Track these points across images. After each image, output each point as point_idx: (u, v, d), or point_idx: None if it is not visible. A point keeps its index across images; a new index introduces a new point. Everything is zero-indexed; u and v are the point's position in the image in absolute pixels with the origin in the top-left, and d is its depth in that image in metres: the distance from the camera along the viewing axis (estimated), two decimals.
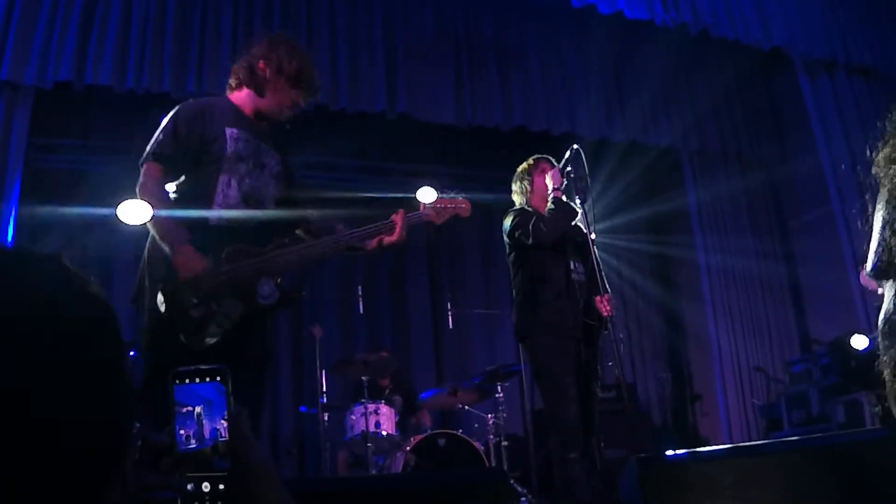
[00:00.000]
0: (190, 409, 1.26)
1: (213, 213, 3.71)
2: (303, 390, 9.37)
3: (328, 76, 7.87)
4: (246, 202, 3.82)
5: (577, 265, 5.24)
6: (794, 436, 6.85)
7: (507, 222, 5.44)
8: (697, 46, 9.16)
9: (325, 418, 7.61)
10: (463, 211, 4.39)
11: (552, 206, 5.25)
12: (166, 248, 3.57)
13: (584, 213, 5.30)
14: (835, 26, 9.01)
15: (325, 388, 7.70)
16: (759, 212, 10.18)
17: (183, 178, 3.80)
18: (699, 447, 4.97)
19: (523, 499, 6.63)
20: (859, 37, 9.10)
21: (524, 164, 5.68)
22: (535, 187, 5.52)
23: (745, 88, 10.11)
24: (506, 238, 5.47)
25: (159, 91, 7.27)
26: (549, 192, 5.33)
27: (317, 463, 8.55)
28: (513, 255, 5.46)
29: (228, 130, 3.84)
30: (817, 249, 9.53)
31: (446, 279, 10.74)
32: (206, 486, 1.22)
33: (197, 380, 1.28)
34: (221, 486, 1.22)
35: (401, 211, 4.05)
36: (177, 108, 3.90)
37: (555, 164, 5.53)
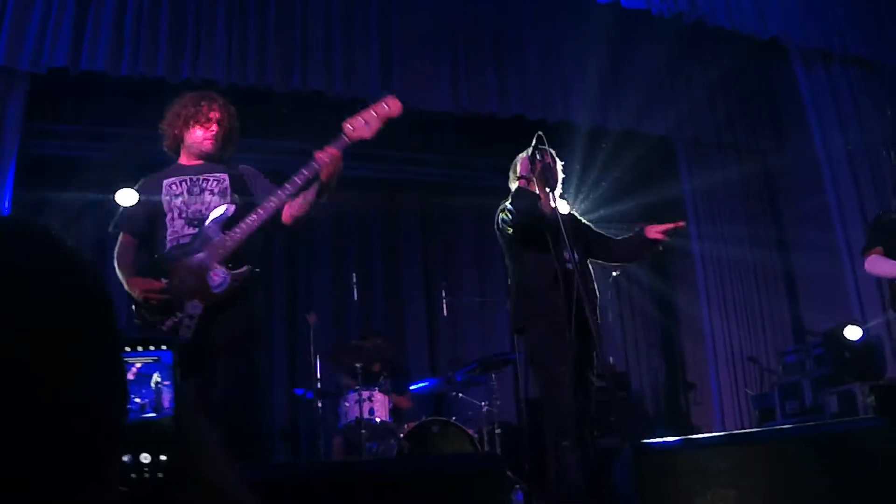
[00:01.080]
0: (144, 376, 1.22)
1: (167, 245, 4.35)
2: (297, 377, 9.38)
3: (323, 63, 7.86)
4: (190, 223, 4.38)
5: (570, 254, 5.18)
6: (786, 426, 6.87)
7: (498, 215, 5.44)
8: (693, 36, 9.15)
9: (320, 405, 7.63)
10: (392, 111, 4.44)
11: (512, 195, 5.28)
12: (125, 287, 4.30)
13: (558, 199, 5.27)
14: (831, 16, 9.01)
15: (319, 375, 7.71)
16: (753, 201, 10.18)
17: (147, 241, 4.53)
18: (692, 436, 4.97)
19: (516, 486, 6.64)
20: (855, 27, 9.10)
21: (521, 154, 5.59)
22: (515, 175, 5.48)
23: (741, 78, 10.10)
24: (496, 230, 5.47)
25: (154, 77, 7.26)
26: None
27: (311, 449, 8.56)
28: (504, 245, 5.47)
29: (165, 182, 4.50)
30: (812, 239, 9.53)
31: (441, 267, 10.75)
32: (145, 458, 1.17)
33: (152, 347, 1.24)
34: (163, 458, 1.17)
35: (316, 153, 4.34)
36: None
37: (541, 154, 5.43)
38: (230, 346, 4.20)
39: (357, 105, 7.30)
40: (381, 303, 10.39)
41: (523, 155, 5.48)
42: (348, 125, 4.41)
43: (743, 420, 9.18)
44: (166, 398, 1.22)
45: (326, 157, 4.28)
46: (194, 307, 4.14)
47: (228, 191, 4.52)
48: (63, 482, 0.82)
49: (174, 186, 4.47)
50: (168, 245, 4.32)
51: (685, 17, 8.30)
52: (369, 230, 10.71)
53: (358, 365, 7.47)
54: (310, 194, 4.39)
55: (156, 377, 1.23)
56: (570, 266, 5.11)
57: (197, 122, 4.56)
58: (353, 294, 8.27)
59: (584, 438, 4.95)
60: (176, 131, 4.58)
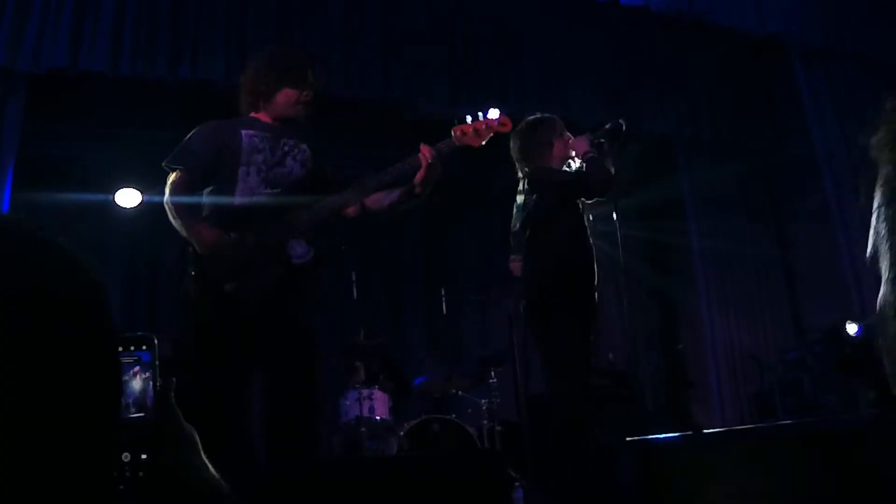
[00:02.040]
0: (139, 376, 1.21)
1: (236, 198, 3.97)
2: None
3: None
4: (268, 185, 4.04)
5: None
6: (787, 422, 6.87)
7: (534, 179, 5.04)
8: (692, 34, 9.16)
9: None
10: (505, 128, 4.43)
11: (595, 163, 4.95)
12: (185, 234, 3.86)
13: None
14: (830, 14, 9.02)
15: None
16: (753, 199, 10.20)
17: (212, 189, 4.08)
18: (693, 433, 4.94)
19: (517, 484, 6.64)
20: (854, 25, 9.11)
21: (533, 120, 5.27)
22: (551, 148, 5.14)
23: (740, 76, 10.11)
24: (538, 199, 4.97)
25: (153, 77, 7.26)
26: (578, 156, 5.04)
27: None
28: (543, 217, 4.98)
29: (244, 131, 4.11)
30: (811, 236, 9.54)
31: (440, 265, 10.75)
32: (125, 456, 1.15)
33: (132, 347, 1.22)
34: (143, 456, 1.16)
35: (423, 146, 4.12)
36: (198, 127, 4.19)
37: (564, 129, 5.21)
38: (302, 333, 3.93)
39: (357, 105, 7.33)
40: (381, 301, 10.39)
41: (535, 121, 5.22)
42: (458, 130, 4.33)
43: (743, 417, 9.19)
44: (150, 398, 1.20)
45: (430, 154, 4.13)
46: (267, 273, 3.86)
47: (310, 162, 4.26)
48: (57, 482, 0.82)
49: (256, 140, 4.12)
50: (238, 197, 3.99)
51: (684, 15, 8.31)
52: (369, 228, 10.70)
53: (358, 363, 7.48)
54: (394, 194, 4.23)
55: (144, 376, 1.22)
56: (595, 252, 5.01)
57: (294, 82, 4.22)
58: (353, 292, 8.25)
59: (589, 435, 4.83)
60: (264, 86, 4.21)
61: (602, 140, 5.13)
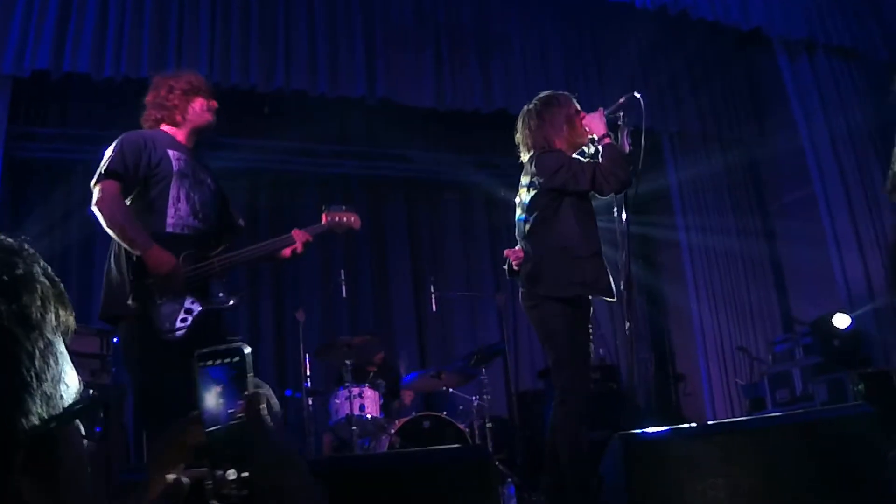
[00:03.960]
0: (215, 389, 1.23)
1: (167, 227, 4.15)
2: (286, 374, 9.39)
3: (307, 62, 7.85)
4: (195, 216, 4.25)
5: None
6: (776, 414, 6.89)
7: (543, 164, 4.83)
8: (677, 27, 9.17)
9: (310, 402, 7.62)
10: (354, 224, 4.81)
11: (611, 151, 4.88)
12: (136, 251, 3.96)
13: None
14: (814, 7, 9.03)
15: (308, 373, 7.70)
16: (739, 192, 10.22)
17: (133, 196, 4.22)
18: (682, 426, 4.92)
19: (508, 480, 6.65)
20: (838, 18, 9.12)
21: (545, 98, 5.08)
22: (564, 128, 4.98)
23: (725, 69, 10.14)
24: (543, 185, 4.80)
25: (138, 77, 7.23)
26: (596, 137, 4.93)
27: (301, 447, 8.56)
28: (544, 205, 4.83)
29: (170, 152, 4.27)
30: (798, 229, 9.57)
31: (428, 262, 10.76)
32: (231, 474, 1.17)
33: (218, 361, 1.25)
34: (245, 474, 1.17)
35: (297, 231, 4.60)
36: (120, 136, 4.27)
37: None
38: None
39: (339, 103, 7.32)
40: (370, 299, 10.39)
41: (545, 99, 5.04)
42: (327, 217, 4.77)
43: (733, 410, 9.21)
44: (225, 410, 1.21)
45: (303, 239, 4.59)
46: (193, 304, 4.05)
47: (217, 195, 4.48)
48: None
49: (182, 163, 4.28)
50: (169, 226, 4.15)
51: (669, 9, 8.31)
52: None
53: (348, 362, 7.47)
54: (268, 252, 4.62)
55: (218, 389, 1.23)
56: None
57: (198, 92, 4.45)
58: (342, 291, 8.24)
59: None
60: (172, 102, 4.38)
61: (617, 116, 5.09)
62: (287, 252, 4.58)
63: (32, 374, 0.90)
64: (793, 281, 9.99)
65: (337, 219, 4.74)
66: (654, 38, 9.34)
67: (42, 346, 0.92)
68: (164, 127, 4.42)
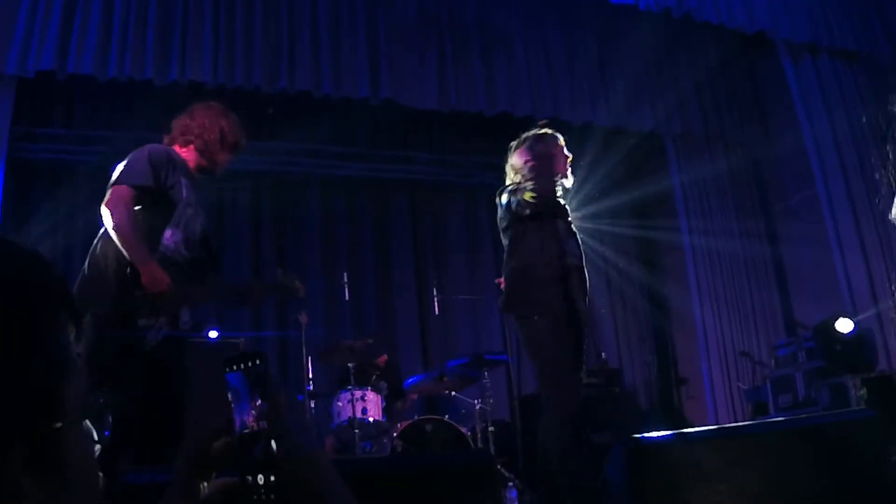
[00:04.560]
0: (239, 393, 1.24)
1: (162, 248, 4.28)
2: (289, 377, 9.38)
3: (310, 63, 7.85)
4: (185, 246, 4.37)
5: (576, 246, 5.08)
6: (779, 419, 6.88)
7: (513, 194, 5.10)
8: (681, 30, 9.17)
9: (312, 405, 7.62)
10: (299, 292, 5.01)
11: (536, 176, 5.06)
12: (133, 261, 4.05)
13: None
14: (818, 10, 9.02)
15: (311, 376, 7.70)
16: (743, 195, 10.20)
17: (139, 208, 4.25)
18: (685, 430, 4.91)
19: (510, 484, 6.65)
20: (842, 20, 9.11)
21: (534, 133, 5.28)
22: (549, 167, 5.14)
23: (729, 71, 10.13)
24: (507, 209, 5.11)
25: (142, 79, 7.24)
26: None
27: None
28: (509, 227, 5.12)
29: (183, 180, 4.40)
30: (801, 232, 9.55)
31: (431, 265, 10.76)
32: (260, 479, 1.19)
33: (242, 365, 1.26)
34: (272, 478, 1.19)
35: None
36: (148, 148, 4.36)
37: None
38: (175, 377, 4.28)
39: (343, 105, 7.33)
40: (373, 302, 10.40)
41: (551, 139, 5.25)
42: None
43: (736, 414, 9.20)
44: (250, 413, 1.23)
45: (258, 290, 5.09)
46: (163, 324, 4.16)
47: (205, 230, 4.63)
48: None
49: (190, 192, 4.44)
50: (163, 247, 4.28)
51: (673, 12, 8.30)
52: (359, 229, 10.71)
53: (350, 365, 7.47)
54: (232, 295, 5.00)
55: (244, 393, 1.25)
56: (573, 260, 5.03)
57: (233, 149, 4.69)
58: (345, 294, 8.25)
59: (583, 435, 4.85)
60: (213, 145, 4.59)
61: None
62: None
63: (62, 374, 0.92)
64: (796, 284, 9.97)
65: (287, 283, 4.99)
66: (658, 40, 9.34)
67: (70, 352, 0.95)
68: (184, 150, 4.57)
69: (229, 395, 1.24)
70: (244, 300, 4.94)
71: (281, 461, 1.19)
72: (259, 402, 1.23)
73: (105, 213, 4.13)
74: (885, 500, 3.41)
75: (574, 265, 4.99)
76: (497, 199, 5.20)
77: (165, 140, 4.61)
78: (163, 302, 4.09)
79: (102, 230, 4.21)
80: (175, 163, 4.39)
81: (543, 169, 5.09)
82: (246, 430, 1.22)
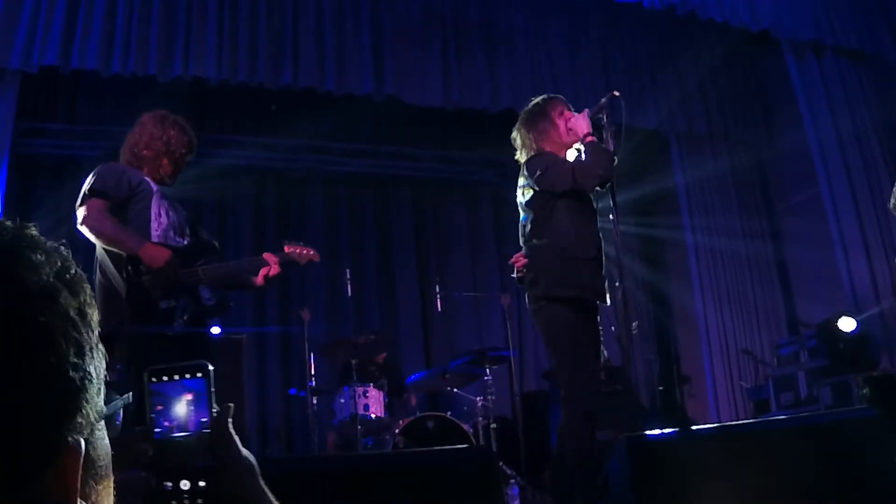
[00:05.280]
0: (170, 401, 1.24)
1: (154, 236, 4.41)
2: (291, 373, 9.38)
3: (314, 59, 7.85)
4: (175, 232, 4.53)
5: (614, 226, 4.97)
6: (781, 417, 6.88)
7: (530, 167, 4.91)
8: (684, 28, 9.16)
9: (314, 402, 7.61)
10: (314, 257, 5.05)
11: (591, 149, 4.85)
12: (130, 252, 4.21)
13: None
14: (822, 8, 9.01)
15: (313, 372, 7.70)
16: (746, 193, 10.18)
17: (117, 214, 4.41)
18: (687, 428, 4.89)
19: (512, 480, 6.65)
20: (847, 19, 9.10)
21: (533, 105, 5.18)
22: (551, 131, 5.03)
23: (733, 70, 10.12)
24: (534, 187, 4.86)
25: (145, 74, 7.25)
26: (580, 137, 4.94)
27: (306, 446, 8.57)
28: (539, 206, 4.87)
29: (147, 178, 4.57)
30: (804, 230, 9.55)
31: (434, 262, 10.75)
32: (185, 484, 1.18)
33: (176, 376, 1.26)
34: (202, 483, 1.18)
35: (268, 255, 4.85)
36: (98, 167, 4.56)
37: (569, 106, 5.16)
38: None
39: (346, 101, 7.34)
40: (375, 298, 10.39)
41: (535, 106, 5.16)
42: (288, 248, 4.98)
43: (738, 412, 9.19)
44: (192, 421, 1.23)
45: (275, 262, 4.83)
46: (187, 303, 4.30)
47: (191, 220, 4.78)
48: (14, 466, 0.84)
49: (158, 197, 4.55)
50: (154, 237, 4.39)
51: (677, 10, 8.29)
52: (362, 226, 10.70)
53: (353, 361, 7.47)
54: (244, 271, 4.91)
55: (185, 399, 1.24)
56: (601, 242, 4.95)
57: (175, 160, 4.71)
58: (347, 290, 8.24)
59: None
60: (148, 152, 4.63)
61: (601, 116, 5.10)
62: (260, 279, 4.80)
63: (90, 369, 0.92)
64: (798, 282, 9.96)
65: (297, 251, 4.98)
66: (662, 38, 9.33)
67: (94, 343, 0.94)
68: (136, 163, 4.65)
69: (163, 402, 1.24)
70: (250, 282, 4.88)
71: (218, 470, 1.19)
72: (206, 410, 1.23)
73: (84, 229, 4.32)
74: (888, 498, 3.41)
75: (601, 246, 4.93)
76: (522, 171, 5.00)
77: (121, 157, 4.71)
78: (169, 275, 4.21)
79: (95, 256, 4.39)
80: (129, 174, 4.52)
81: (541, 144, 5.03)
82: (192, 433, 1.22)
